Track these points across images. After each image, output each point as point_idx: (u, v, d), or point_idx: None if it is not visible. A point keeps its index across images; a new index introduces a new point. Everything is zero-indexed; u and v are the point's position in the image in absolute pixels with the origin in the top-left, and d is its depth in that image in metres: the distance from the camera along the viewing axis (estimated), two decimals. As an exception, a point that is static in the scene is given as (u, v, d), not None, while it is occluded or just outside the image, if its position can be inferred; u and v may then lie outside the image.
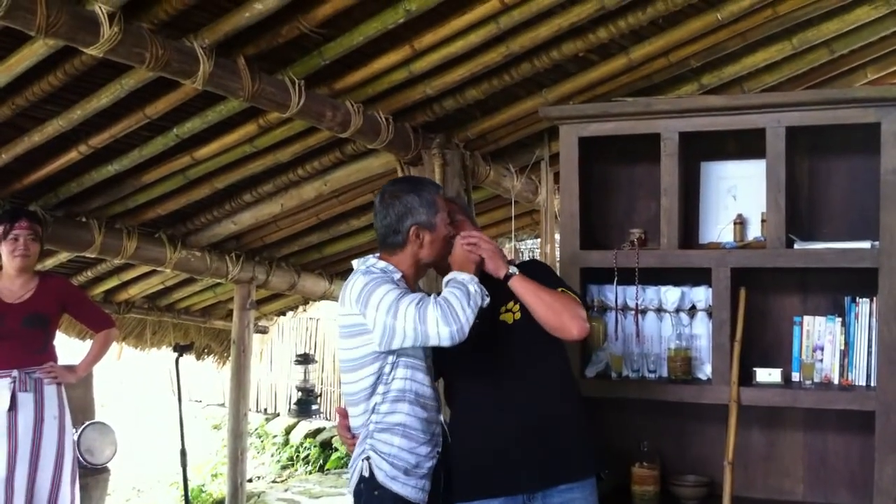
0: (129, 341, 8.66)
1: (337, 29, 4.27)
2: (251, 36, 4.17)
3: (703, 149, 3.84)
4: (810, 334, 3.63)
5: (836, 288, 3.64)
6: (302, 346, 13.79)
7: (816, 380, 3.59)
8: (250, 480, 10.55)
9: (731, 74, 5.16)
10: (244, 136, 5.08)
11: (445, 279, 2.98)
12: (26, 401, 4.62)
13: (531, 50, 4.61)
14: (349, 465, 3.01)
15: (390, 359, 2.91)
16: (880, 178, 3.43)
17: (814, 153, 3.74)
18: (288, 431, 13.30)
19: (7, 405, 4.56)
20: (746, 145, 3.74)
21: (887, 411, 3.36)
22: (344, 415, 3.06)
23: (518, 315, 3.11)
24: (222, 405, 13.77)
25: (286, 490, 10.67)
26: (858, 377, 3.54)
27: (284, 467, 12.45)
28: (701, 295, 3.76)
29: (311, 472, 11.94)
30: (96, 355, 5.05)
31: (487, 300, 2.92)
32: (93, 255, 6.17)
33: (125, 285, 7.59)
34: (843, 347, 3.58)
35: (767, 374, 3.59)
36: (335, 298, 8.05)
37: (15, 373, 4.60)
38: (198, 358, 9.30)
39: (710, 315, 3.69)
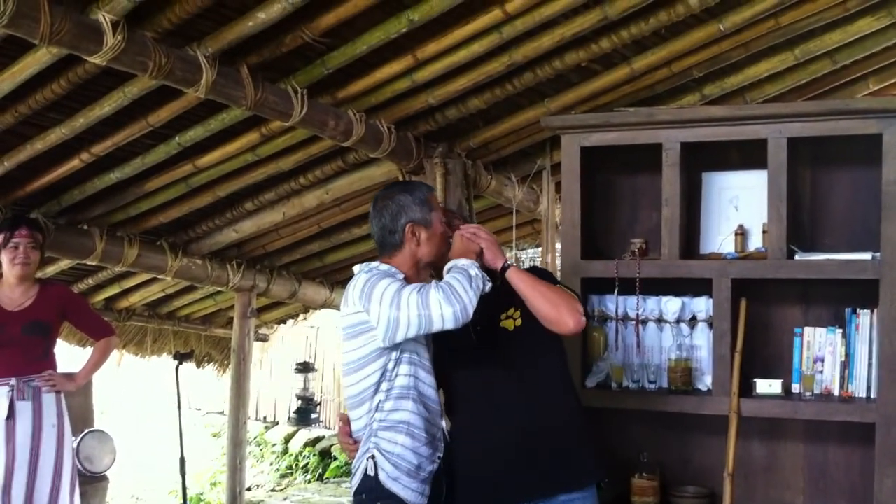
0: (130, 349, 8.65)
1: (340, 38, 4.27)
2: (254, 45, 4.18)
3: (704, 159, 3.84)
4: (811, 345, 3.63)
5: (838, 299, 3.64)
6: (302, 354, 13.77)
7: (817, 391, 3.59)
8: (249, 489, 10.53)
9: (733, 85, 5.17)
10: (246, 145, 5.09)
11: (446, 267, 2.98)
12: (25, 409, 4.61)
13: (534, 60, 4.62)
14: (352, 465, 3.00)
15: (393, 355, 2.91)
16: (882, 190, 3.44)
17: (816, 164, 3.74)
18: (287, 440, 13.28)
19: (5, 413, 4.54)
20: (748, 156, 3.75)
21: (888, 423, 3.36)
22: (346, 421, 3.06)
23: (519, 322, 3.11)
24: (222, 413, 13.74)
25: (285, 499, 10.66)
26: (859, 389, 3.54)
27: (283, 476, 12.43)
28: (702, 305, 3.75)
29: (310, 481, 11.92)
30: (96, 363, 5.04)
31: (489, 285, 2.93)
32: (94, 263, 6.17)
33: (126, 293, 7.59)
34: (843, 359, 3.57)
35: (768, 386, 3.59)
36: (336, 307, 8.05)
37: (13, 381, 4.59)
38: (198, 366, 9.30)
39: (710, 326, 3.69)
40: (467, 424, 3.10)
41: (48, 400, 4.69)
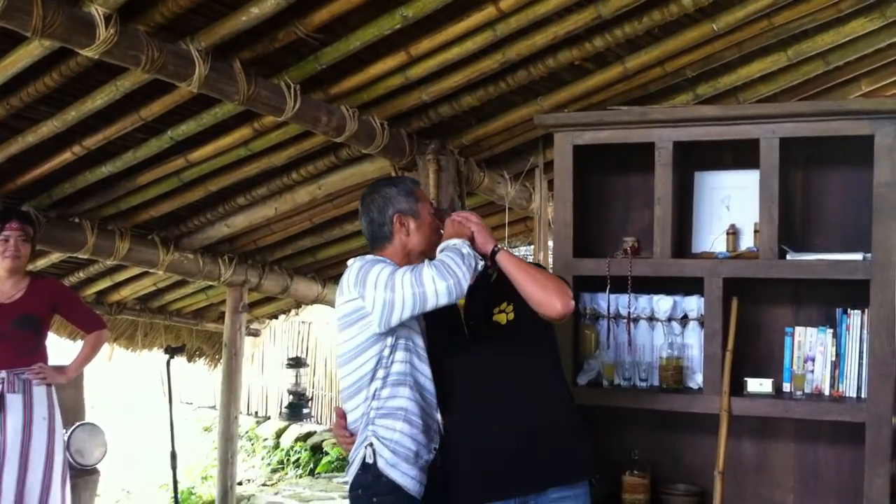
0: (121, 343, 8.63)
1: (333, 34, 4.27)
2: (247, 40, 4.17)
3: (697, 159, 3.85)
4: (802, 345, 3.64)
5: (828, 299, 3.64)
6: (294, 349, 13.77)
7: (807, 391, 3.60)
8: (240, 483, 10.52)
9: (726, 85, 5.17)
10: (239, 140, 5.08)
11: (439, 248, 3.00)
12: (15, 402, 4.60)
13: (527, 58, 4.62)
14: (349, 457, 3.00)
15: (389, 341, 2.92)
16: (873, 191, 3.44)
17: (808, 165, 3.75)
18: (279, 435, 13.28)
19: (-5, 407, 4.55)
20: (741, 156, 3.75)
21: (878, 423, 3.37)
22: (341, 415, 3.06)
23: (511, 316, 3.12)
24: (213, 408, 13.74)
25: (276, 493, 10.66)
26: (849, 388, 3.55)
27: (275, 470, 12.43)
28: (693, 304, 3.76)
29: (301, 476, 11.92)
30: (87, 356, 5.04)
31: (482, 263, 2.96)
32: (85, 256, 6.16)
33: (117, 286, 7.58)
34: (834, 359, 3.58)
35: (759, 385, 3.59)
36: (328, 302, 8.05)
37: (3, 374, 4.59)
38: (189, 360, 9.28)
39: (701, 324, 3.70)
40: (459, 419, 3.10)
41: (39, 393, 4.68)
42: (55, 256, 6.36)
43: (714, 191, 3.85)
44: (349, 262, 3.05)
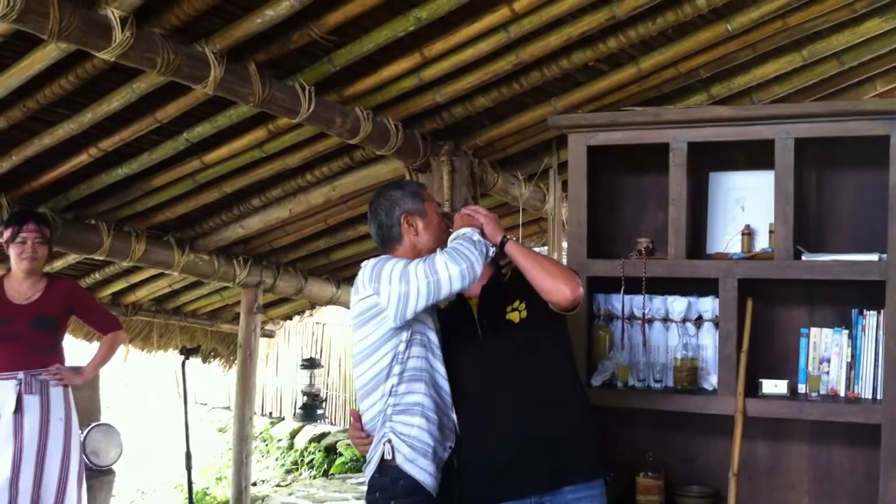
0: (136, 344, 8.68)
1: (347, 36, 4.28)
2: (262, 42, 4.19)
3: (711, 159, 3.84)
4: (817, 346, 3.62)
5: (844, 300, 3.63)
6: (308, 350, 13.80)
7: (822, 392, 3.59)
8: (254, 484, 10.55)
9: (740, 85, 5.16)
10: (253, 142, 5.10)
11: (450, 239, 3.04)
12: (32, 403, 4.63)
13: (541, 59, 4.62)
14: (367, 456, 3.01)
15: (404, 336, 2.95)
16: (888, 191, 3.43)
17: (822, 165, 3.74)
18: (293, 436, 13.30)
19: (13, 407, 4.57)
20: (755, 156, 3.75)
21: (893, 425, 3.36)
22: (357, 418, 3.07)
23: (524, 314, 3.13)
24: (228, 408, 13.78)
25: (290, 494, 10.66)
26: (865, 390, 3.54)
27: (289, 471, 12.45)
28: (708, 305, 3.76)
29: (315, 477, 11.94)
30: (103, 357, 5.06)
31: (493, 250, 3.01)
32: (101, 258, 6.19)
33: (133, 288, 7.61)
34: (849, 360, 3.57)
35: (773, 386, 3.58)
36: (342, 303, 8.07)
37: (21, 375, 4.61)
38: (204, 361, 9.32)
39: (716, 325, 3.70)
40: (474, 419, 3.10)
41: (56, 394, 4.71)
42: (71, 258, 6.39)
43: (728, 191, 3.84)
44: (363, 263, 3.07)
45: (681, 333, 3.77)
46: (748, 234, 3.73)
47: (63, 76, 4.27)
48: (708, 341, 3.76)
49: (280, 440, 13.38)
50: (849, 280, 3.48)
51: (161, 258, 6.40)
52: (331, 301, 8.20)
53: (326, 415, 12.74)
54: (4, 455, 4.55)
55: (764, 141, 3.59)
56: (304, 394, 11.09)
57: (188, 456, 5.18)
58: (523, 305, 3.13)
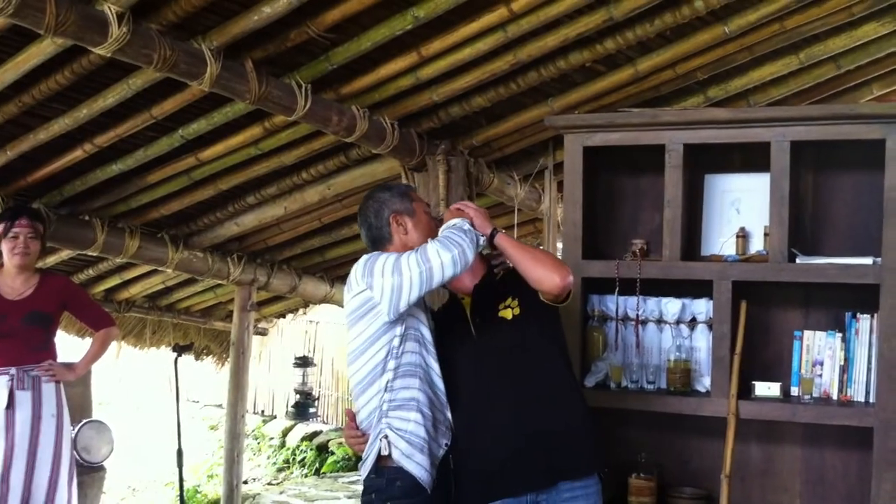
0: (129, 340, 8.67)
1: (345, 34, 4.28)
2: (259, 39, 4.18)
3: (707, 161, 3.84)
4: (810, 349, 3.63)
5: (838, 303, 3.63)
6: (301, 348, 13.78)
7: (815, 395, 3.59)
8: (246, 482, 10.55)
9: (737, 87, 5.17)
10: (249, 139, 5.09)
11: (440, 230, 3.05)
12: (24, 399, 4.61)
13: (538, 59, 4.62)
14: (363, 454, 3.00)
15: (398, 330, 2.95)
16: (884, 195, 3.43)
17: (818, 168, 3.74)
18: (285, 434, 13.29)
19: (5, 403, 4.55)
20: (751, 159, 3.75)
21: (886, 428, 3.36)
22: (353, 417, 3.07)
23: (517, 310, 3.13)
24: (220, 406, 13.75)
25: (281, 493, 10.65)
26: (858, 393, 3.54)
27: (280, 470, 12.44)
28: (702, 307, 3.75)
29: (307, 475, 11.93)
30: (96, 354, 5.04)
31: (484, 240, 3.02)
32: (95, 254, 6.18)
33: (126, 284, 7.60)
34: (842, 363, 3.57)
35: (766, 388, 3.58)
36: (336, 302, 8.07)
37: (13, 370, 4.60)
38: (197, 358, 9.32)
39: (710, 327, 3.69)
40: (468, 416, 3.10)
41: (48, 390, 4.69)
42: (65, 254, 6.38)
43: (724, 193, 3.84)
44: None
45: (674, 335, 3.77)
46: (743, 236, 3.73)
47: (59, 71, 4.26)
48: (701, 343, 3.76)
49: (272, 438, 13.37)
50: (843, 283, 3.48)
51: (155, 255, 6.39)
52: (324, 300, 8.20)
53: (318, 413, 12.72)
54: (-4, 451, 4.54)
55: (760, 143, 3.59)
56: (297, 392, 11.08)
57: (180, 453, 5.17)
58: (516, 302, 3.13)
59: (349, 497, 9.75)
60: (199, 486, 11.27)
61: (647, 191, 3.96)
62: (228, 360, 8.08)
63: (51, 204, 5.65)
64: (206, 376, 12.12)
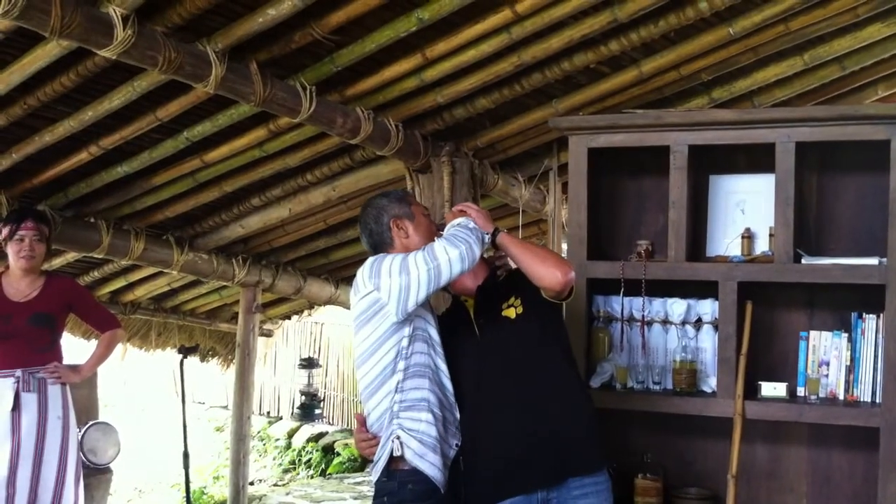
0: (135, 342, 8.67)
1: (349, 36, 4.28)
2: (264, 41, 4.19)
3: (712, 162, 3.85)
4: (816, 349, 3.63)
5: (843, 304, 3.64)
6: (306, 350, 13.80)
7: (821, 395, 3.59)
8: (252, 483, 10.54)
9: (741, 89, 5.17)
10: (254, 141, 5.10)
11: (445, 228, 3.08)
12: (30, 401, 4.62)
13: (542, 61, 4.62)
14: (375, 456, 3.00)
15: (406, 331, 2.97)
16: (889, 195, 3.44)
17: (823, 169, 3.74)
18: (290, 435, 13.30)
19: (10, 405, 4.55)
20: (756, 160, 3.75)
21: (892, 428, 3.36)
22: (362, 421, 3.08)
23: (520, 309, 3.15)
24: (225, 407, 13.78)
25: (287, 494, 10.66)
26: (864, 393, 3.55)
27: (286, 471, 12.45)
28: (707, 308, 3.76)
29: (312, 477, 11.94)
30: (101, 355, 5.05)
31: (488, 237, 3.04)
32: (100, 256, 6.18)
33: (132, 286, 7.60)
34: (848, 363, 3.58)
35: (772, 389, 3.59)
36: (341, 303, 8.08)
37: (18, 372, 4.60)
38: (202, 360, 9.31)
39: (716, 328, 3.70)
40: (474, 417, 3.11)
41: (53, 392, 4.69)
42: (70, 256, 6.38)
43: (729, 195, 3.85)
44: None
45: (680, 336, 3.78)
46: (748, 237, 3.73)
47: (64, 73, 4.27)
48: (707, 344, 3.76)
49: (278, 440, 13.38)
50: (848, 284, 3.49)
51: (160, 257, 6.40)
52: (329, 301, 8.20)
53: (324, 414, 12.74)
54: (2, 453, 4.53)
55: (765, 144, 3.59)
56: (302, 393, 11.10)
57: (186, 455, 5.17)
58: (518, 301, 3.15)
59: (355, 498, 9.76)
60: (205, 487, 11.29)
61: (651, 192, 3.96)
62: (234, 361, 8.08)
63: (56, 206, 5.66)
64: (212, 378, 12.15)
